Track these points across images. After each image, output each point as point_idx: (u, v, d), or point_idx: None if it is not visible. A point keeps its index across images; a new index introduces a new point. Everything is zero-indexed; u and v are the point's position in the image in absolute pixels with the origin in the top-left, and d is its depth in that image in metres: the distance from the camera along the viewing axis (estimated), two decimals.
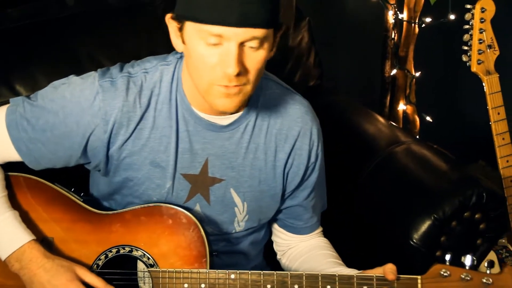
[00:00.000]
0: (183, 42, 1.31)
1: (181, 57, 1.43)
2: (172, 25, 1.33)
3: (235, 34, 1.24)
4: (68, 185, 1.48)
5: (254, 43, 1.27)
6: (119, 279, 1.43)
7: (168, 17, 1.33)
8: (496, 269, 1.39)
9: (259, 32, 1.25)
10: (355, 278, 1.36)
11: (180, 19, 1.29)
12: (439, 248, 1.68)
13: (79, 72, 1.46)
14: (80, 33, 1.84)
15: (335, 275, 1.37)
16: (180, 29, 1.30)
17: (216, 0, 1.23)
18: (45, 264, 1.38)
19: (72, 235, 1.44)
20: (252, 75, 1.30)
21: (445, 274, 1.35)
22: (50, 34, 1.82)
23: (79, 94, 1.39)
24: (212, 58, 1.27)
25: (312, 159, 1.53)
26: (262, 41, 1.27)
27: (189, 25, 1.28)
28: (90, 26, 1.86)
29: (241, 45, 1.26)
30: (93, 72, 1.43)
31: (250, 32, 1.25)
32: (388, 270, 1.35)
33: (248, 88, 1.32)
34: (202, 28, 1.25)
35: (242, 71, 1.28)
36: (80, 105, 1.39)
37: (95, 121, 1.39)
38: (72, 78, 1.43)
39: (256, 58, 1.29)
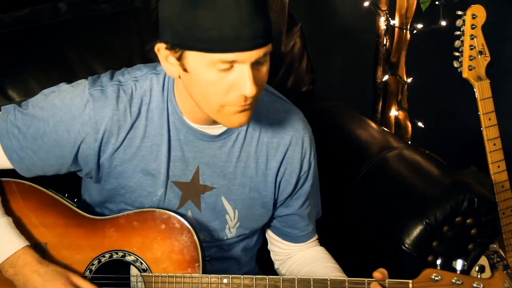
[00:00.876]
0: (185, 70, 1.28)
1: None
2: (164, 54, 1.30)
3: (249, 56, 1.23)
4: (61, 191, 1.49)
5: (262, 59, 1.27)
6: (112, 284, 1.43)
7: (159, 47, 1.30)
8: (487, 273, 1.39)
9: (267, 48, 1.26)
10: (346, 282, 1.37)
11: (180, 48, 1.27)
12: (431, 252, 1.69)
13: (71, 78, 1.47)
14: (73, 39, 1.84)
15: (327, 279, 1.38)
16: (180, 58, 1.27)
17: (224, 26, 1.20)
18: (39, 269, 1.38)
19: (66, 240, 1.44)
20: (260, 89, 1.29)
21: (436, 278, 1.35)
22: (43, 40, 1.82)
23: (69, 102, 1.39)
24: (225, 83, 1.26)
25: (305, 167, 1.53)
26: (267, 55, 1.27)
27: (193, 55, 1.25)
28: (82, 32, 1.86)
29: (252, 65, 1.25)
30: (83, 80, 1.43)
31: (261, 51, 1.24)
32: (377, 271, 1.36)
33: (256, 100, 1.32)
34: (213, 57, 1.23)
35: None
36: (70, 113, 1.39)
37: (86, 129, 1.39)
38: (62, 86, 1.43)
39: (263, 72, 1.29)
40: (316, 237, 1.65)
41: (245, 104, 1.29)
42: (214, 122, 1.39)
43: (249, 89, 1.25)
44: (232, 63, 1.24)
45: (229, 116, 1.31)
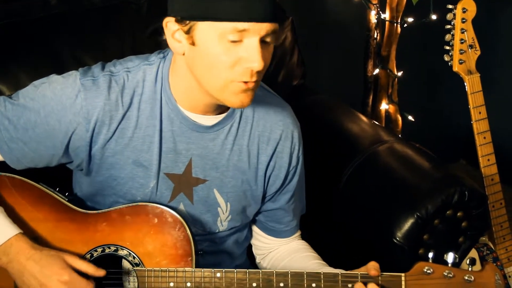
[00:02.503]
0: (193, 43, 1.29)
1: (164, 57, 1.43)
2: (172, 28, 1.30)
3: (259, 29, 1.25)
4: (52, 185, 1.48)
5: (270, 38, 1.28)
6: (105, 279, 1.42)
7: (168, 21, 1.31)
8: (478, 266, 1.40)
9: (275, 26, 1.27)
10: (340, 276, 1.38)
11: (191, 20, 1.27)
12: (422, 246, 1.70)
13: (62, 72, 1.45)
14: (63, 32, 1.83)
15: (320, 273, 1.38)
16: (188, 31, 1.28)
17: None
18: (34, 255, 1.36)
19: (57, 235, 1.43)
20: (265, 69, 1.30)
21: (428, 271, 1.36)
22: (33, 34, 1.80)
23: (60, 92, 1.39)
24: (233, 55, 1.27)
25: (294, 162, 1.54)
26: (275, 34, 1.28)
27: (203, 25, 1.26)
28: (73, 25, 1.85)
29: (261, 39, 1.27)
30: (74, 71, 1.42)
31: (270, 26, 1.26)
32: (371, 266, 1.37)
33: (259, 82, 1.33)
34: (225, 26, 1.24)
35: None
36: (61, 104, 1.38)
37: (77, 119, 1.38)
38: (53, 77, 1.43)
39: (269, 52, 1.31)
40: (299, 232, 1.66)
41: (251, 80, 1.29)
42: (209, 111, 1.40)
43: (258, 62, 1.26)
44: (243, 33, 1.25)
45: (233, 94, 1.31)
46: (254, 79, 1.29)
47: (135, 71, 1.42)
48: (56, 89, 1.39)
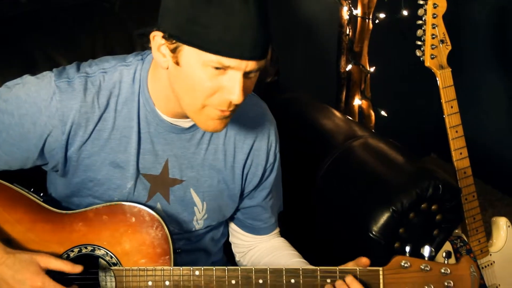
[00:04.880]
0: (177, 63, 1.27)
1: (142, 59, 1.41)
2: (159, 42, 1.28)
3: (245, 65, 1.23)
4: (27, 185, 1.45)
5: (255, 71, 1.27)
6: (81, 279, 1.41)
7: (155, 35, 1.28)
8: (452, 259, 1.42)
9: (262, 62, 1.26)
10: (318, 271, 1.38)
11: (178, 41, 1.25)
12: (398, 239, 1.71)
13: (34, 71, 1.44)
14: (35, 31, 1.80)
15: (299, 269, 1.39)
16: (174, 51, 1.26)
17: (230, 30, 1.20)
18: (7, 260, 1.34)
19: (32, 236, 1.41)
20: (244, 99, 1.28)
21: (405, 265, 1.37)
22: (4, 32, 1.77)
23: (35, 94, 1.37)
24: (214, 84, 1.26)
25: (271, 159, 1.54)
26: (260, 69, 1.27)
27: (190, 50, 1.24)
28: (44, 24, 1.82)
29: (244, 74, 1.25)
30: (48, 72, 1.40)
31: (257, 64, 1.25)
32: (362, 262, 1.39)
33: (236, 111, 1.32)
34: (211, 57, 1.22)
35: None
36: (36, 106, 1.36)
37: (52, 122, 1.36)
38: (27, 78, 1.40)
39: (251, 83, 1.30)
40: (277, 230, 1.66)
41: (227, 109, 1.29)
42: (187, 116, 1.39)
43: (237, 96, 1.25)
44: (227, 68, 1.23)
45: (207, 119, 1.31)
46: (231, 108, 1.29)
47: (111, 72, 1.40)
48: (30, 90, 1.37)
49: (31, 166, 1.45)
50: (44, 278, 1.34)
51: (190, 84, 1.27)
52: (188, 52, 1.24)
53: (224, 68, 1.24)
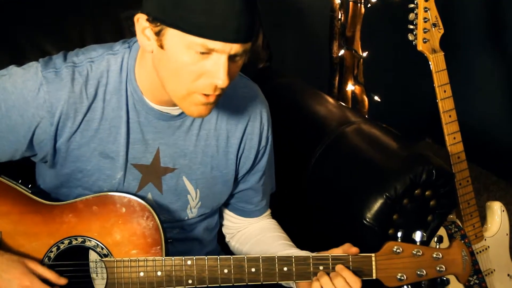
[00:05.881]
0: (161, 46, 1.26)
1: (129, 47, 1.40)
2: (143, 25, 1.27)
3: (230, 48, 1.22)
4: (14, 177, 1.44)
5: (240, 55, 1.26)
6: (72, 271, 1.40)
7: (140, 17, 1.27)
8: (446, 243, 1.42)
9: (248, 45, 1.25)
10: (311, 259, 1.38)
11: (162, 24, 1.24)
12: (392, 226, 1.71)
13: (22, 60, 1.42)
14: (22, 19, 1.78)
15: (291, 256, 1.38)
16: (158, 34, 1.25)
17: (214, 13, 1.19)
18: None
19: (22, 228, 1.40)
20: (229, 82, 1.27)
21: (397, 250, 1.38)
22: None
23: (21, 86, 1.35)
24: (199, 67, 1.24)
25: (263, 142, 1.53)
26: (246, 52, 1.26)
27: (174, 33, 1.23)
28: (32, 12, 1.80)
29: (229, 57, 1.24)
30: (34, 62, 1.38)
31: (242, 47, 1.24)
32: (347, 247, 1.38)
33: (222, 95, 1.31)
34: (195, 40, 1.21)
35: None
36: (23, 97, 1.34)
37: (40, 113, 1.35)
38: (13, 69, 1.38)
39: (237, 67, 1.29)
40: (268, 211, 1.66)
41: (213, 94, 1.28)
42: (174, 104, 1.37)
43: (222, 80, 1.24)
44: (211, 50, 1.22)
45: (192, 105, 1.30)
46: (216, 93, 1.28)
47: (98, 61, 1.38)
48: (17, 82, 1.35)
49: (20, 158, 1.43)
50: (33, 278, 1.34)
51: (174, 68, 1.26)
52: (172, 35, 1.23)
53: (208, 51, 1.22)
